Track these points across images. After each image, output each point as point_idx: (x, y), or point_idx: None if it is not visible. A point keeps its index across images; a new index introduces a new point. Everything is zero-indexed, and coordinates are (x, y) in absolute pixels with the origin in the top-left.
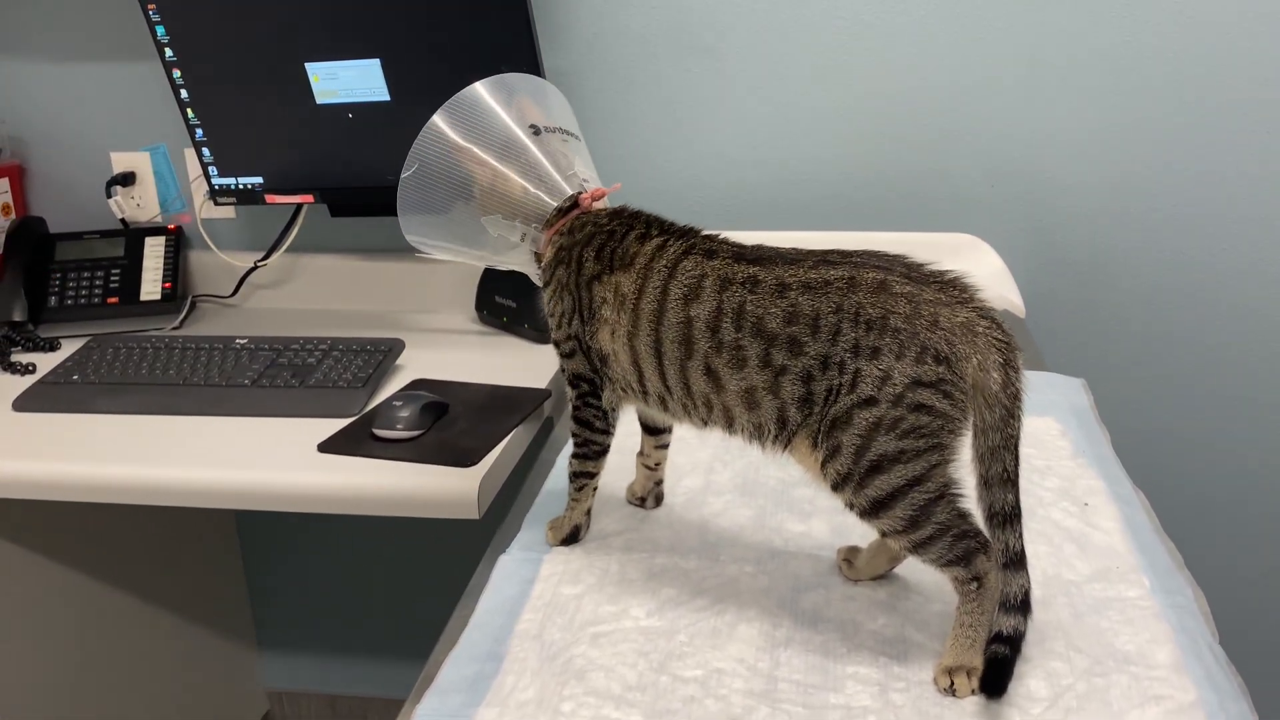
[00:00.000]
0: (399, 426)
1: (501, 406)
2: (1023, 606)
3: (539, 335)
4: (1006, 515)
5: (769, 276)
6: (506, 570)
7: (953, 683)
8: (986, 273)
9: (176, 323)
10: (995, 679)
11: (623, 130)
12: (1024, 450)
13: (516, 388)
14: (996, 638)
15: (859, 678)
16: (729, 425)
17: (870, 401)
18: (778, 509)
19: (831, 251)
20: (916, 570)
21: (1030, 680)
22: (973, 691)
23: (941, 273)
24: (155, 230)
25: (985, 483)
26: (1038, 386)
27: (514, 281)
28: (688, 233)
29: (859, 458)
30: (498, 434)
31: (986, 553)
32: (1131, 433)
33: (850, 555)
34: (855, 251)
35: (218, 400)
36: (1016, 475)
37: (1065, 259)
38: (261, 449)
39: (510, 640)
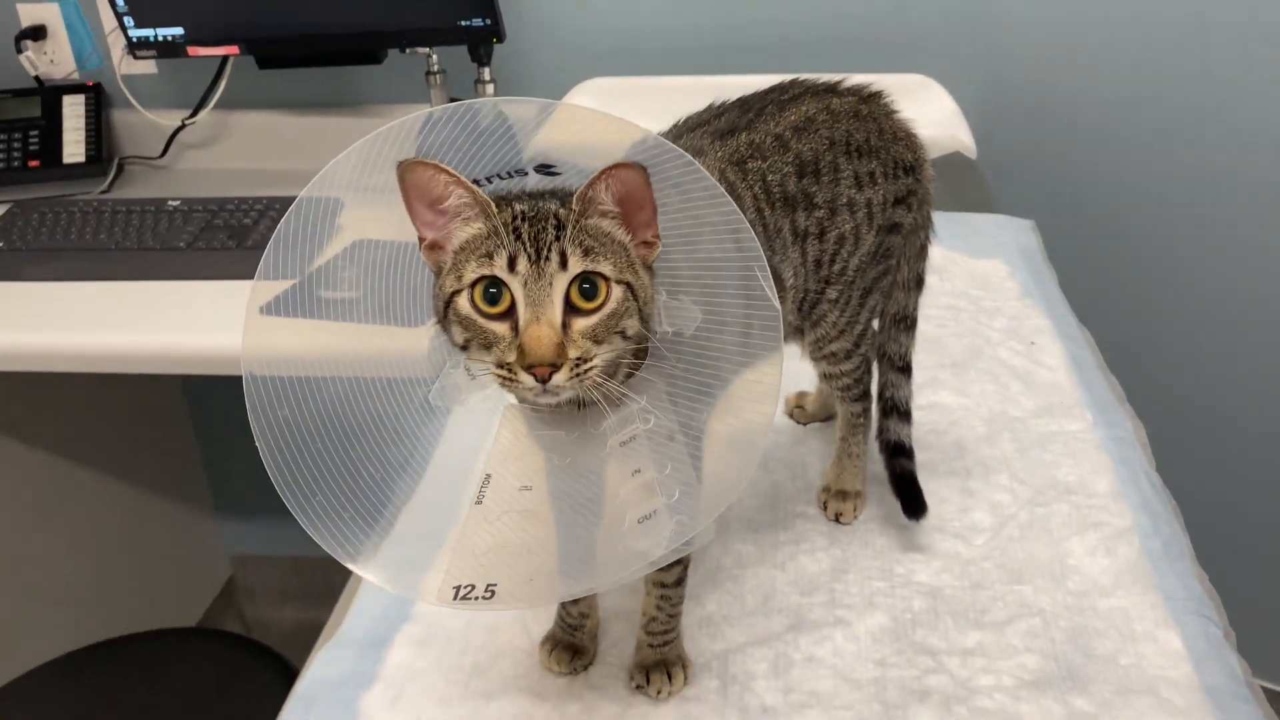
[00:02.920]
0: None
1: None
2: (908, 415)
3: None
4: (913, 320)
5: (763, 137)
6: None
7: (841, 511)
8: (938, 114)
9: (104, 186)
10: (915, 500)
11: None
12: (973, 292)
13: None
14: (899, 450)
15: (807, 516)
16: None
17: (877, 231)
18: None
19: (771, 90)
20: None
21: (975, 512)
22: (855, 516)
23: (860, 87)
24: (73, 88)
25: (905, 286)
26: (987, 229)
27: None
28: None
29: (863, 303)
30: None
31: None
32: (1079, 272)
33: (801, 400)
34: (791, 83)
35: (153, 265)
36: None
37: (1017, 100)
38: (202, 313)
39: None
